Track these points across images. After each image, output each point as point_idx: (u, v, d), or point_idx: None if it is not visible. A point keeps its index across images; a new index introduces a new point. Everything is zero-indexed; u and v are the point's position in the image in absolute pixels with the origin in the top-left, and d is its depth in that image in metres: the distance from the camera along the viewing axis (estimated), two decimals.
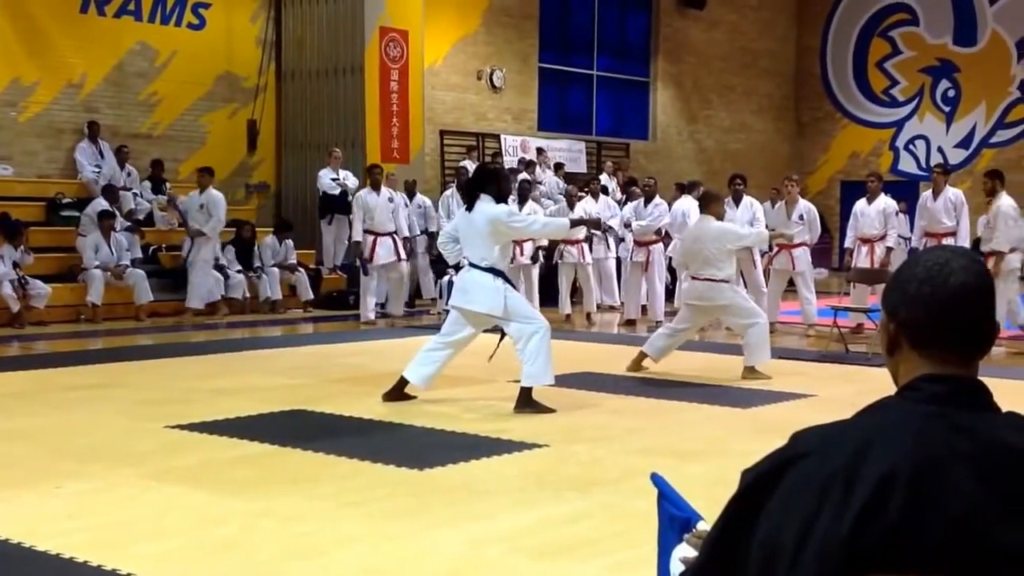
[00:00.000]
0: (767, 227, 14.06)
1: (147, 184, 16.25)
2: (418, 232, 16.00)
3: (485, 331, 8.57)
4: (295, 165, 18.05)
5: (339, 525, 5.26)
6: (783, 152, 27.05)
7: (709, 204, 10.27)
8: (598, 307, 15.53)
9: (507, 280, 8.30)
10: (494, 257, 8.18)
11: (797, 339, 13.34)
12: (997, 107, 24.99)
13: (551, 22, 22.34)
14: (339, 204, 16.53)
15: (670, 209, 14.87)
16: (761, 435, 6.88)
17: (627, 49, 24.14)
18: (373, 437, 7.36)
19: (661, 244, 14.69)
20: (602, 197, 16.06)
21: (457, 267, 13.90)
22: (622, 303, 15.40)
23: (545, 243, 14.28)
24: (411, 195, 16.34)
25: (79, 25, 15.99)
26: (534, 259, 14.30)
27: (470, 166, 17.80)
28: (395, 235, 14.43)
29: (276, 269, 15.68)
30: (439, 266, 14.45)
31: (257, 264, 15.62)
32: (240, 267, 15.40)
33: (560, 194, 18.44)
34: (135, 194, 15.96)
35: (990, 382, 1.78)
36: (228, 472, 6.32)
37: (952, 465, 1.63)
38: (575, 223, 10.15)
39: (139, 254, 15.03)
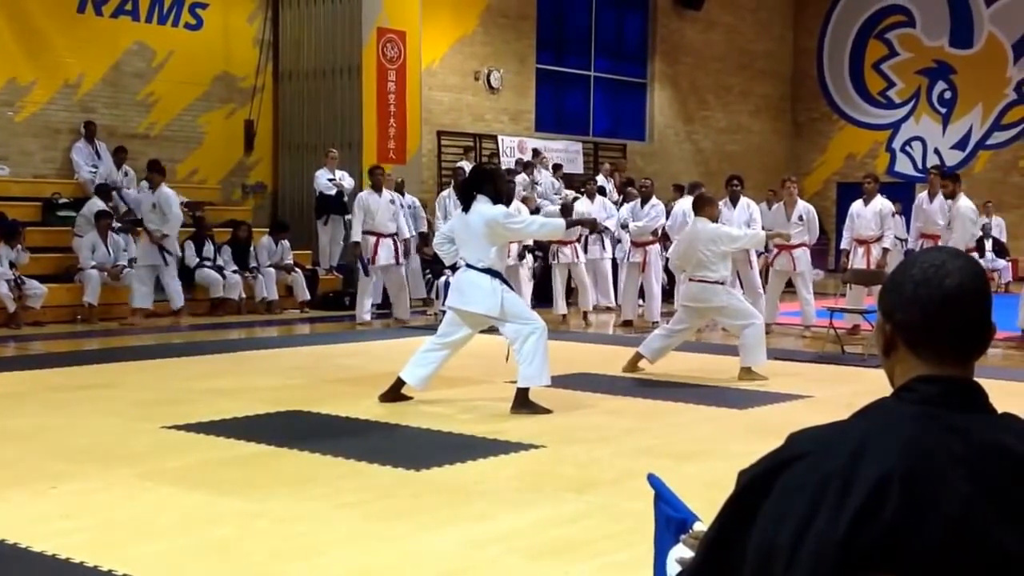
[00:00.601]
0: (764, 228, 14.10)
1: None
2: (413, 233, 16.00)
3: (482, 332, 8.57)
4: (292, 165, 18.04)
5: (335, 526, 5.25)
6: (780, 153, 27.07)
7: (703, 207, 10.29)
8: (595, 308, 15.54)
9: (504, 281, 8.30)
10: (491, 258, 8.17)
11: (793, 340, 13.34)
12: (993, 109, 25.02)
13: (548, 23, 22.35)
14: (335, 205, 16.53)
15: (668, 210, 14.88)
16: (757, 436, 6.88)
17: (624, 50, 24.16)
18: (369, 438, 7.36)
19: (658, 245, 14.70)
20: (598, 198, 16.06)
21: (454, 268, 13.96)
22: (618, 304, 15.41)
23: (530, 243, 14.29)
24: (400, 195, 16.34)
25: (76, 25, 15.98)
26: (521, 257, 14.29)
27: (467, 167, 17.82)
28: (396, 237, 14.43)
29: (272, 269, 15.67)
30: (436, 267, 14.44)
31: (253, 264, 15.61)
32: (236, 267, 15.39)
33: (556, 195, 18.47)
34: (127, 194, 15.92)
35: (986, 383, 1.78)
36: (224, 473, 6.31)
37: (947, 466, 1.63)
38: (571, 224, 10.14)
39: (135, 254, 14.99)
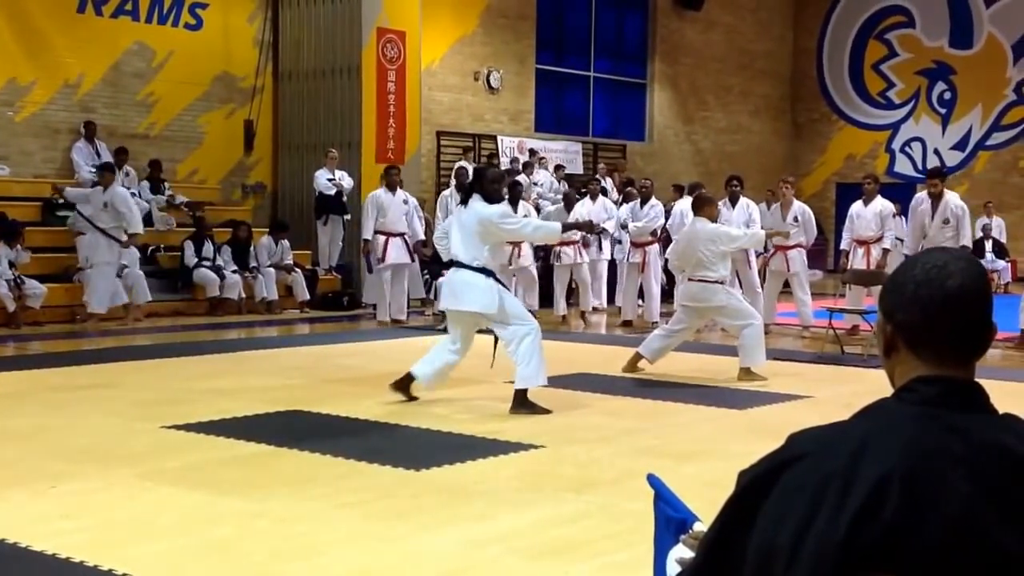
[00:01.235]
0: (763, 228, 14.09)
1: (145, 184, 16.24)
2: (422, 236, 16.00)
3: (479, 331, 8.58)
4: (292, 165, 18.04)
5: (334, 526, 5.25)
6: (779, 154, 27.07)
7: (702, 206, 10.29)
8: (594, 309, 15.53)
9: (498, 281, 8.31)
10: (484, 257, 8.19)
11: (793, 340, 13.35)
12: (993, 109, 25.03)
13: (548, 23, 22.36)
14: (335, 205, 16.54)
15: (667, 210, 14.87)
16: (757, 436, 6.88)
17: (624, 50, 24.16)
18: (369, 438, 7.36)
19: (657, 245, 14.70)
20: (600, 198, 16.06)
21: (449, 265, 13.95)
22: (618, 306, 15.40)
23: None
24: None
25: (76, 25, 15.98)
26: (539, 259, 14.36)
27: (468, 167, 17.81)
28: (406, 236, 14.47)
29: (272, 269, 15.68)
30: (434, 267, 14.44)
31: (253, 264, 15.62)
32: (236, 267, 15.39)
33: (555, 194, 18.46)
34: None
35: (986, 383, 1.78)
36: (223, 472, 6.31)
37: (947, 467, 1.63)
38: (567, 227, 10.13)
39: (136, 254, 14.99)
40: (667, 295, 15.56)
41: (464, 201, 8.35)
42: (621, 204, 16.48)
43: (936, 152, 25.47)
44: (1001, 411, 1.75)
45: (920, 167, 25.38)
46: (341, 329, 14.07)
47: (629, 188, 17.01)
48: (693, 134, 25.30)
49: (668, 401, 8.86)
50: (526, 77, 21.79)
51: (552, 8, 22.46)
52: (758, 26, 26.63)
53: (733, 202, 13.98)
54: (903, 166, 26.10)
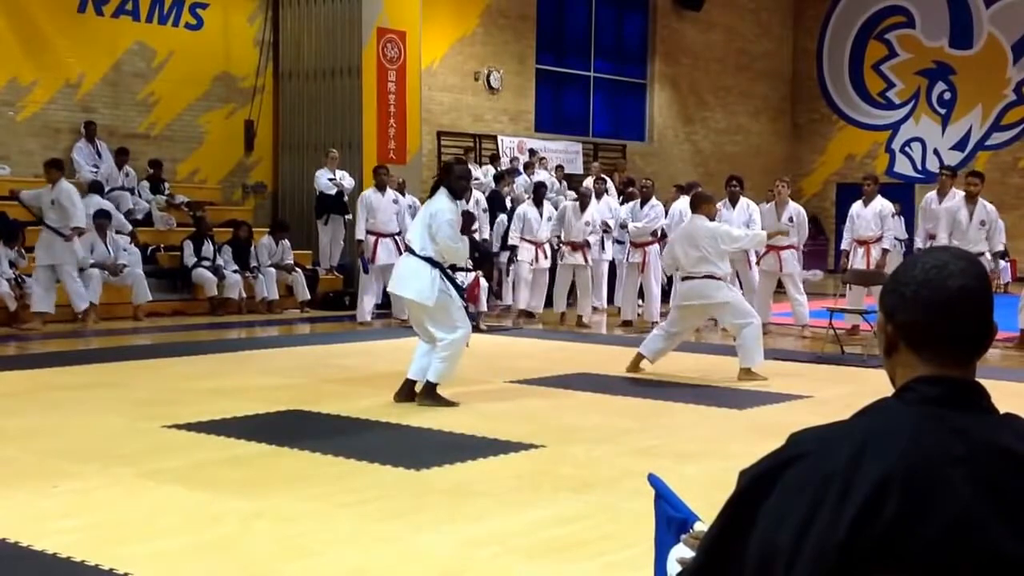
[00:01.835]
0: (763, 228, 14.10)
1: (145, 184, 16.26)
2: None
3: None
4: (292, 165, 18.05)
5: (334, 525, 5.26)
6: (779, 154, 27.07)
7: (700, 204, 10.30)
8: (594, 308, 15.52)
9: (445, 275, 8.36)
10: (431, 248, 8.28)
11: (792, 340, 13.36)
12: (993, 109, 25.03)
13: (548, 23, 22.36)
14: (335, 204, 16.54)
15: (667, 210, 14.88)
16: (757, 436, 6.89)
17: (624, 51, 24.16)
18: (368, 437, 7.37)
19: (657, 245, 14.69)
20: (605, 197, 16.05)
21: (455, 268, 13.97)
22: (618, 306, 15.40)
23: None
24: (401, 194, 16.34)
25: (77, 25, 15.98)
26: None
27: (470, 167, 17.81)
28: (397, 237, 14.44)
29: (272, 269, 15.68)
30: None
31: (254, 264, 15.62)
32: (236, 267, 15.40)
33: (556, 195, 18.47)
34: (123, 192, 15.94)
35: (985, 384, 1.78)
36: (223, 472, 6.32)
37: (948, 467, 1.63)
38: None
39: (137, 253, 15.01)
40: (667, 295, 15.56)
41: (433, 191, 8.50)
42: (622, 204, 16.49)
43: (936, 152, 25.47)
44: (1002, 411, 1.74)
45: (920, 167, 25.39)
46: (341, 329, 14.07)
47: (630, 188, 17.02)
48: (693, 134, 25.31)
49: (668, 401, 8.87)
50: (526, 77, 21.80)
51: (552, 8, 22.46)
52: (758, 26, 26.63)
53: (733, 202, 13.98)
54: (903, 166, 26.09)
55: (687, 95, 25.11)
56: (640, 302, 14.97)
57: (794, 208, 14.12)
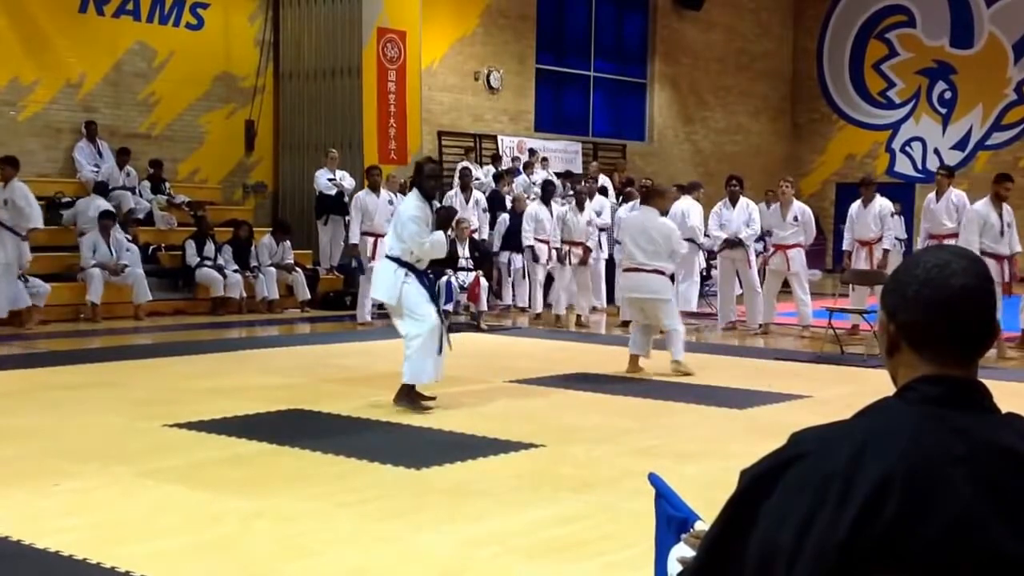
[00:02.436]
0: (763, 228, 14.12)
1: (147, 184, 16.26)
2: None
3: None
4: (293, 165, 18.06)
5: (334, 524, 5.27)
6: (779, 154, 27.08)
7: (654, 197, 10.34)
8: (594, 308, 15.52)
9: (413, 272, 8.29)
10: (398, 248, 8.29)
11: (792, 340, 13.36)
12: (993, 109, 25.03)
13: (548, 23, 22.36)
14: (335, 205, 16.54)
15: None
16: (757, 436, 6.90)
17: (624, 50, 24.17)
18: (369, 437, 7.37)
19: None
20: (598, 197, 16.05)
21: (455, 267, 13.98)
22: (618, 306, 15.38)
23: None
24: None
25: (78, 25, 16.00)
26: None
27: (471, 167, 17.83)
28: None
29: (273, 269, 15.69)
30: (436, 266, 14.44)
31: (254, 264, 15.63)
32: (237, 267, 15.41)
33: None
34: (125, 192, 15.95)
35: (985, 383, 1.77)
36: (224, 471, 6.33)
37: (949, 467, 1.63)
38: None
39: (136, 252, 15.01)
40: None
41: (406, 191, 8.56)
42: (621, 204, 16.50)
43: (936, 152, 25.47)
44: (1004, 411, 1.74)
45: (920, 167, 25.38)
46: (342, 329, 14.08)
47: (628, 188, 17.02)
48: (693, 134, 25.31)
49: (668, 401, 8.87)
50: (526, 77, 21.80)
51: (552, 8, 22.46)
52: (758, 26, 26.63)
53: (733, 202, 13.99)
54: (903, 166, 26.09)
55: (687, 95, 25.11)
56: None
57: (799, 207, 14.10)
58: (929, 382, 1.72)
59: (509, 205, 16.93)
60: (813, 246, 14.98)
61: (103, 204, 14.75)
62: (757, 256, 14.16)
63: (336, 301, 16.19)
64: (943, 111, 25.64)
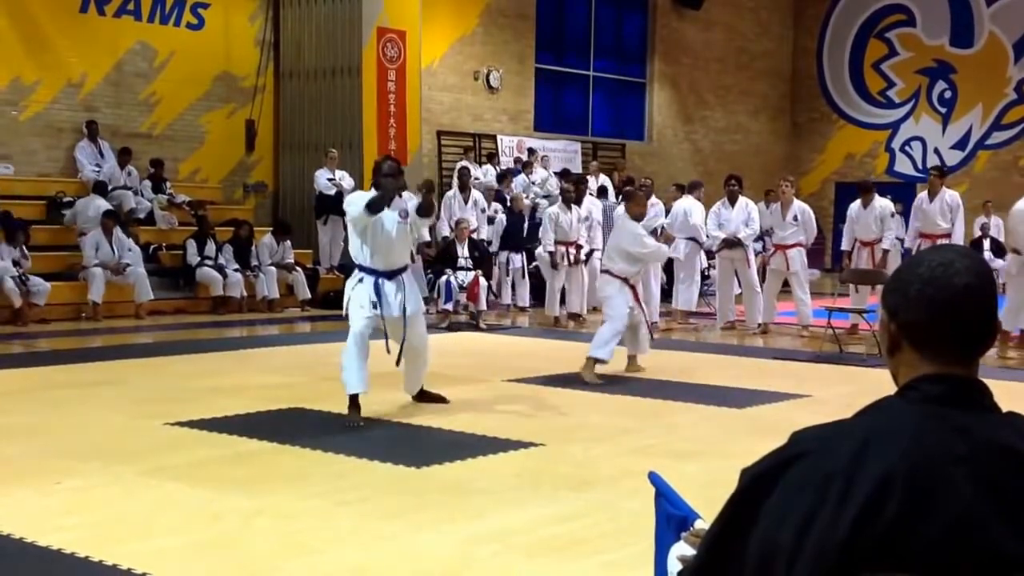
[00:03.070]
0: (762, 228, 14.13)
1: (147, 183, 16.28)
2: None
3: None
4: (293, 165, 18.07)
5: (334, 523, 5.28)
6: (779, 153, 27.09)
7: (630, 200, 10.29)
8: (594, 308, 15.50)
9: (376, 276, 8.13)
10: (353, 249, 8.16)
11: (792, 340, 13.37)
12: (993, 109, 25.04)
13: (548, 23, 22.38)
14: (335, 204, 16.52)
15: (668, 210, 14.87)
16: (757, 435, 6.91)
17: (623, 50, 24.18)
18: (368, 435, 7.38)
19: None
20: (588, 198, 16.00)
21: (454, 267, 14.00)
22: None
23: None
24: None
25: (79, 24, 16.01)
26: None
27: (471, 167, 17.84)
28: None
29: (273, 268, 15.71)
30: (437, 266, 14.48)
31: (255, 263, 15.64)
32: (238, 266, 15.43)
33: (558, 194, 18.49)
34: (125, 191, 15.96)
35: (989, 382, 1.79)
36: (225, 469, 6.34)
37: (950, 466, 1.63)
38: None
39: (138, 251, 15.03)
40: (666, 295, 15.59)
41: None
42: (620, 203, 16.48)
43: (936, 151, 25.48)
44: (1005, 410, 1.75)
45: (920, 166, 25.39)
46: (342, 328, 14.01)
47: (628, 188, 17.02)
48: (692, 133, 25.32)
49: (667, 400, 8.88)
50: (526, 77, 21.81)
51: (552, 8, 22.47)
52: (758, 26, 26.64)
53: (732, 201, 14.00)
54: (903, 165, 26.10)
55: (687, 94, 25.12)
56: None
57: (799, 207, 14.09)
58: (930, 381, 1.73)
59: (508, 205, 16.94)
60: (812, 246, 15.00)
61: (103, 204, 14.78)
62: (756, 256, 14.17)
63: (336, 300, 16.10)
64: (943, 110, 25.66)
